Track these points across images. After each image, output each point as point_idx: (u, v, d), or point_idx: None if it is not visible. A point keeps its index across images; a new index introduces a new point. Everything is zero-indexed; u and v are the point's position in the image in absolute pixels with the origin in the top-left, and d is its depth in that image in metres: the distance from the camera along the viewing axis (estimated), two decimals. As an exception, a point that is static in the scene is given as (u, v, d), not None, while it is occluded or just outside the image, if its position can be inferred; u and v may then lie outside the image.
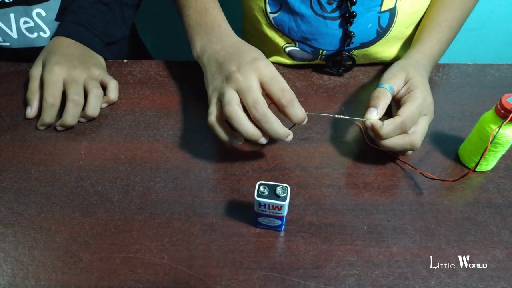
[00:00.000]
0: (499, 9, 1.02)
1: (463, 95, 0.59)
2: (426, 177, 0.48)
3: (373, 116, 0.46)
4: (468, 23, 0.59)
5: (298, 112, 0.45)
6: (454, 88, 0.60)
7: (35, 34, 0.63)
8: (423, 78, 0.50)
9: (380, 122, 0.45)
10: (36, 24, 0.62)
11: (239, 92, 0.45)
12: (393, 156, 0.51)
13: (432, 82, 0.61)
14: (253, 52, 0.49)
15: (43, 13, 0.61)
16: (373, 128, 0.46)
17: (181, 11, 0.58)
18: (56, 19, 0.63)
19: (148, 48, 0.90)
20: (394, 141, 0.46)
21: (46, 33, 0.63)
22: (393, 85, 0.48)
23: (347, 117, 0.48)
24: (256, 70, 0.45)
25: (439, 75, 0.62)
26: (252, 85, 0.44)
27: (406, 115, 0.45)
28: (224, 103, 0.44)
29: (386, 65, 0.64)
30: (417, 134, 0.46)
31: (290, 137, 0.46)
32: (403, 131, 0.46)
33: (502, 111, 0.43)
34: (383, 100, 0.47)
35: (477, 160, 0.48)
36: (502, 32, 1.05)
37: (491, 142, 0.44)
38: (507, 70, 0.64)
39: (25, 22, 0.61)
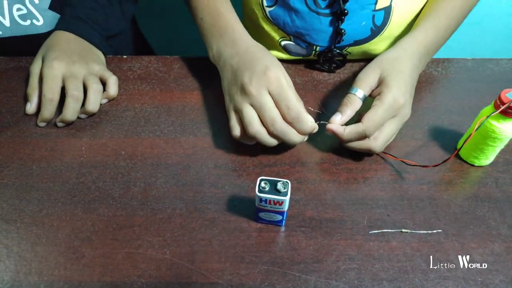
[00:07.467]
0: (498, 3, 1.01)
1: (462, 90, 0.59)
2: (408, 164, 0.49)
3: (337, 120, 0.48)
4: (467, 18, 0.59)
5: (304, 127, 0.46)
6: (453, 83, 0.61)
7: (28, 22, 0.62)
8: (400, 74, 0.48)
9: (341, 127, 0.47)
10: (29, 11, 0.61)
11: (255, 108, 0.46)
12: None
13: (431, 77, 0.61)
14: (265, 59, 0.49)
15: (36, 1, 0.61)
16: (334, 133, 0.48)
17: (194, 14, 0.58)
18: (50, 8, 0.62)
19: (150, 43, 0.90)
20: (353, 145, 0.48)
21: (39, 21, 0.62)
22: (364, 89, 0.48)
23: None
24: (266, 82, 0.46)
25: (439, 70, 0.62)
26: (266, 101, 0.46)
27: (368, 124, 0.46)
28: (246, 123, 0.46)
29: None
30: (378, 140, 0.47)
31: (305, 138, 0.49)
32: (364, 137, 0.47)
33: (501, 106, 0.43)
34: (350, 108, 0.48)
35: (476, 155, 0.49)
36: (501, 26, 1.05)
37: (476, 129, 0.45)
38: (506, 65, 0.64)
39: (18, 9, 0.61)
